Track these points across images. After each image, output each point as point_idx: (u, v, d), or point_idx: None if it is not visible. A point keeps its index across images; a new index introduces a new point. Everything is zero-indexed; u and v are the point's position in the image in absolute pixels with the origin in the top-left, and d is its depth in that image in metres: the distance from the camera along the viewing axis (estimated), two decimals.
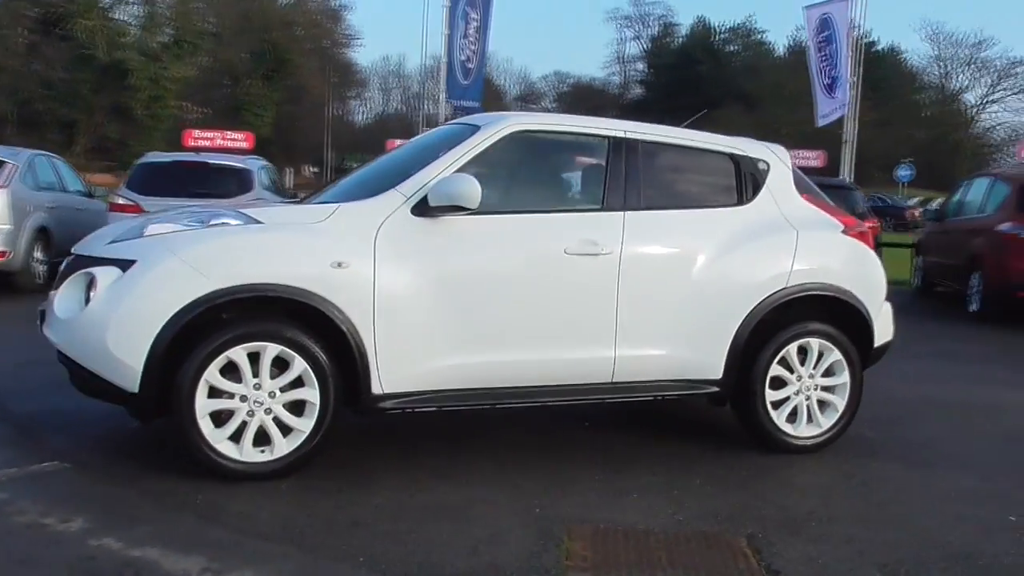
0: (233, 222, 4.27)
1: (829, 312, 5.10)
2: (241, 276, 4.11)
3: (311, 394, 4.23)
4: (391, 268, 4.28)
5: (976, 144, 66.81)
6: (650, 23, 78.41)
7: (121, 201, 10.44)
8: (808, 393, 5.05)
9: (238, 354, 4.12)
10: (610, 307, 4.67)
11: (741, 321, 4.87)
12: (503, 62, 68.38)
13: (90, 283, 4.15)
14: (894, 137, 57.45)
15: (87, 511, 3.76)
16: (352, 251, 4.26)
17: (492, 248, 4.52)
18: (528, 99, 76.77)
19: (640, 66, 79.55)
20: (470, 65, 16.71)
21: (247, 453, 4.17)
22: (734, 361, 4.87)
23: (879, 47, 69.61)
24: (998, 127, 66.18)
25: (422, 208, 4.39)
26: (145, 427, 4.67)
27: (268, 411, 4.19)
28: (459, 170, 4.49)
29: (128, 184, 10.80)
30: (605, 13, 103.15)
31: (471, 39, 16.62)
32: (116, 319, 4.03)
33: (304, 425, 4.23)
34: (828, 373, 5.09)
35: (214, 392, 4.12)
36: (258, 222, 4.28)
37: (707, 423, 5.64)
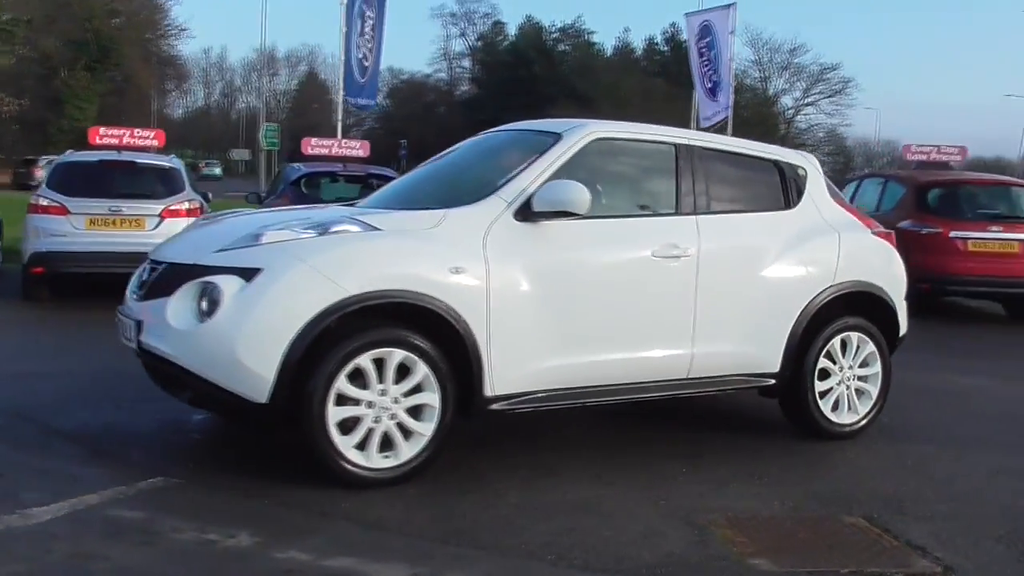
0: (354, 228, 4.25)
1: (864, 307, 5.52)
2: (371, 283, 4.11)
3: (431, 398, 4.26)
4: (500, 272, 4.37)
5: (796, 143, 71.06)
6: (475, 20, 79.18)
7: (44, 202, 9.83)
8: (848, 383, 5.46)
9: (366, 361, 4.12)
10: (690, 307, 4.92)
11: (795, 318, 5.22)
12: (330, 57, 67.49)
13: (205, 293, 4.04)
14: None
15: (243, 525, 3.68)
16: (467, 256, 4.32)
17: (587, 252, 4.68)
18: None
19: (467, 63, 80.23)
20: (366, 63, 16.55)
21: (374, 459, 4.17)
22: (789, 355, 5.21)
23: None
24: (814, 127, 70.65)
25: (525, 213, 4.50)
26: (233, 436, 4.57)
27: (392, 416, 4.20)
28: (552, 176, 4.62)
29: (48, 184, 10.18)
30: (430, 10, 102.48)
31: (367, 37, 16.48)
32: (247, 329, 3.95)
33: (425, 429, 4.27)
34: (864, 364, 5.51)
35: (341, 400, 4.09)
36: (377, 228, 4.28)
37: (727, 413, 5.96)
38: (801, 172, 5.54)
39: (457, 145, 5.82)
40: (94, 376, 6.16)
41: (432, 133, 57.59)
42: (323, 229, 4.21)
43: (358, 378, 4.13)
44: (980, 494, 4.59)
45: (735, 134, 12.56)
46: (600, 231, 4.71)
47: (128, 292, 4.69)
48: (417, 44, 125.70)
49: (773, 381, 5.23)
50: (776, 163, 5.48)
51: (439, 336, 4.26)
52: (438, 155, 5.80)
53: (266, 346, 3.97)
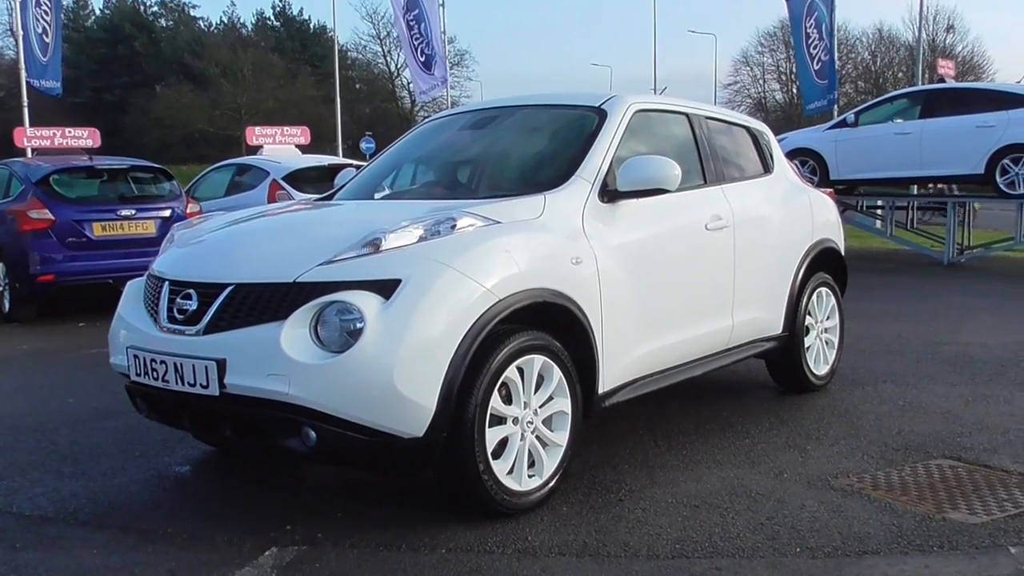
0: (478, 223, 3.67)
1: (827, 263, 5.80)
2: (515, 283, 3.60)
3: (565, 404, 3.85)
4: (603, 259, 4.03)
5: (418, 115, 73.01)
6: None
7: None
8: (822, 336, 5.74)
9: (513, 372, 3.61)
10: (731, 277, 4.89)
11: (791, 279, 5.38)
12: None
13: (338, 315, 3.30)
14: (351, 112, 60.23)
15: None
16: (579, 245, 3.94)
17: (658, 229, 4.46)
18: None
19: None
20: (47, 39, 14.29)
21: (523, 482, 3.69)
22: (789, 315, 5.37)
23: (313, 25, 72.82)
24: (438, 100, 72.69)
25: (610, 193, 4.19)
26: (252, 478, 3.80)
27: (534, 431, 3.73)
28: (616, 153, 4.34)
29: None
30: None
31: (45, 8, 14.21)
32: (401, 352, 3.27)
33: (561, 439, 3.84)
34: (828, 317, 5.82)
35: (492, 420, 3.56)
36: (496, 221, 3.73)
37: (715, 384, 6.02)
38: (766, 137, 5.68)
39: (431, 128, 5.25)
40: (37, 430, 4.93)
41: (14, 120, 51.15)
42: (448, 225, 3.60)
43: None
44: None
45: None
46: (664, 207, 4.50)
47: (146, 325, 3.72)
48: None
49: (776, 343, 5.35)
50: (749, 129, 5.58)
51: (565, 336, 3.85)
52: (414, 139, 5.22)
53: (424, 370, 3.33)
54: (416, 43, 18.21)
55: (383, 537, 3.50)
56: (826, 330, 5.79)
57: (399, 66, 73.45)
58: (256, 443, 3.59)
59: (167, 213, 9.61)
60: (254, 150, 13.90)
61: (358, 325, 3.27)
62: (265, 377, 3.32)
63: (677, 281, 4.50)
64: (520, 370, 3.64)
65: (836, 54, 17.97)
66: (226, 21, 73.44)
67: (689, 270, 4.59)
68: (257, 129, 12.45)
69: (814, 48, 17.20)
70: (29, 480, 4.30)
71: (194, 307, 3.56)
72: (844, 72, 60.99)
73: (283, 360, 3.29)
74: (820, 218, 5.72)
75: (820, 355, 5.72)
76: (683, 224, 4.62)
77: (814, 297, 5.61)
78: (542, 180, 4.19)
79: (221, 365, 3.39)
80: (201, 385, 3.45)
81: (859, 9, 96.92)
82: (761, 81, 65.02)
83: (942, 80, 17.41)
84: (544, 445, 3.79)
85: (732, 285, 4.89)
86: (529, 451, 3.72)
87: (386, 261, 3.42)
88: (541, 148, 4.65)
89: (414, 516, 3.70)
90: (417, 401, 3.31)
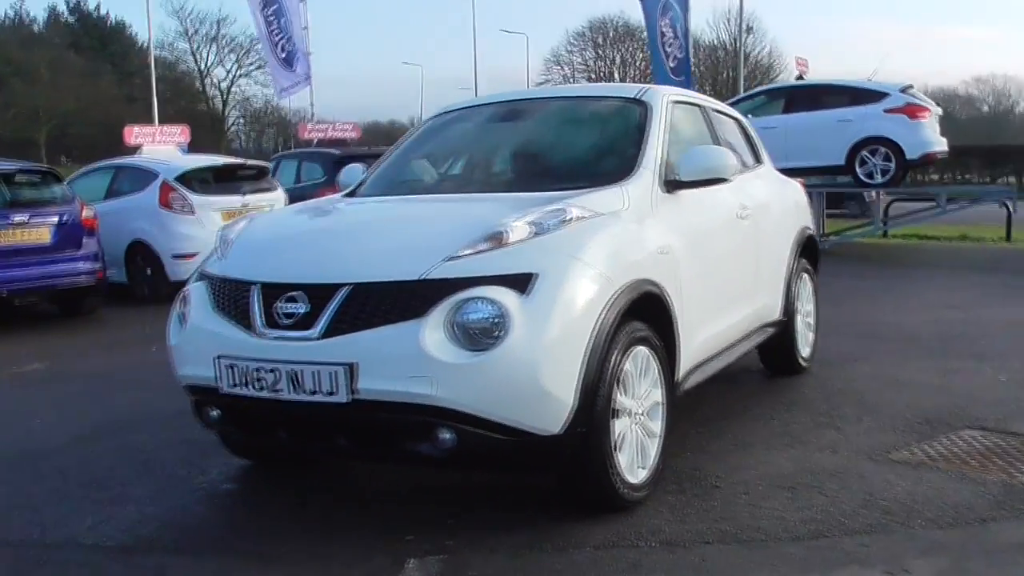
0: (585, 215, 3.61)
1: (806, 249, 6.06)
2: (628, 274, 3.59)
3: (659, 394, 3.86)
4: (677, 248, 4.08)
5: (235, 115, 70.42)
6: None
7: None
8: (805, 319, 6.00)
9: (629, 364, 3.60)
10: (755, 264, 5.05)
11: (787, 264, 5.60)
12: None
13: (481, 312, 3.18)
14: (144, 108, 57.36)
15: None
16: (662, 235, 3.96)
17: (709, 218, 4.55)
18: None
19: None
20: None
21: (637, 474, 3.68)
22: (786, 299, 5.58)
23: (112, 21, 69.16)
24: (251, 98, 70.30)
25: (672, 184, 4.24)
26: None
27: (639, 423, 3.73)
28: (665, 143, 4.40)
29: None
30: None
31: None
32: (547, 348, 3.20)
33: (659, 429, 3.86)
34: (807, 301, 6.09)
35: (612, 413, 3.53)
36: (598, 213, 3.69)
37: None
38: (750, 128, 5.86)
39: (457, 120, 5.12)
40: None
41: None
42: (559, 217, 3.53)
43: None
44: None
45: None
46: (708, 197, 4.57)
47: (235, 332, 3.45)
48: None
49: (776, 328, 5.54)
50: (738, 121, 5.74)
51: (654, 326, 3.86)
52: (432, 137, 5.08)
53: (564, 366, 3.27)
54: (276, 39, 17.51)
55: (516, 539, 3.40)
56: (808, 313, 6.06)
57: (208, 64, 71.03)
58: (378, 450, 3.42)
59: (61, 218, 8.87)
60: (117, 152, 13.06)
61: (502, 321, 3.16)
62: (406, 380, 3.16)
63: (724, 269, 4.62)
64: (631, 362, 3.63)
65: (691, 52, 18.76)
66: (12, 16, 68.43)
67: (730, 258, 4.72)
68: (136, 128, 11.66)
69: (669, 46, 17.88)
70: (69, 510, 3.90)
71: (304, 311, 3.33)
72: (650, 72, 63.89)
73: (426, 361, 3.14)
74: (802, 206, 5.99)
75: (804, 337, 5.98)
76: (724, 213, 4.73)
77: (798, 282, 5.86)
78: (607, 171, 4.18)
79: (351, 370, 3.19)
80: (326, 392, 3.23)
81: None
82: (572, 80, 66.69)
83: (800, 77, 18.54)
84: (648, 437, 3.79)
85: (755, 272, 5.05)
86: (640, 444, 3.71)
87: (515, 255, 3.33)
88: (595, 140, 4.62)
89: (527, 516, 3.60)
90: (559, 397, 3.24)
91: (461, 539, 3.41)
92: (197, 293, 3.76)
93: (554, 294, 3.26)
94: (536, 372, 3.18)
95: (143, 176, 10.64)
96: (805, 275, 5.97)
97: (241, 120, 71.72)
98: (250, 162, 11.48)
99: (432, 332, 3.16)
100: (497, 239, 3.36)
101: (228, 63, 68.90)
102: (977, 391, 5.45)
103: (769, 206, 5.39)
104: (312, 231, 3.92)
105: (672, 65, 17.80)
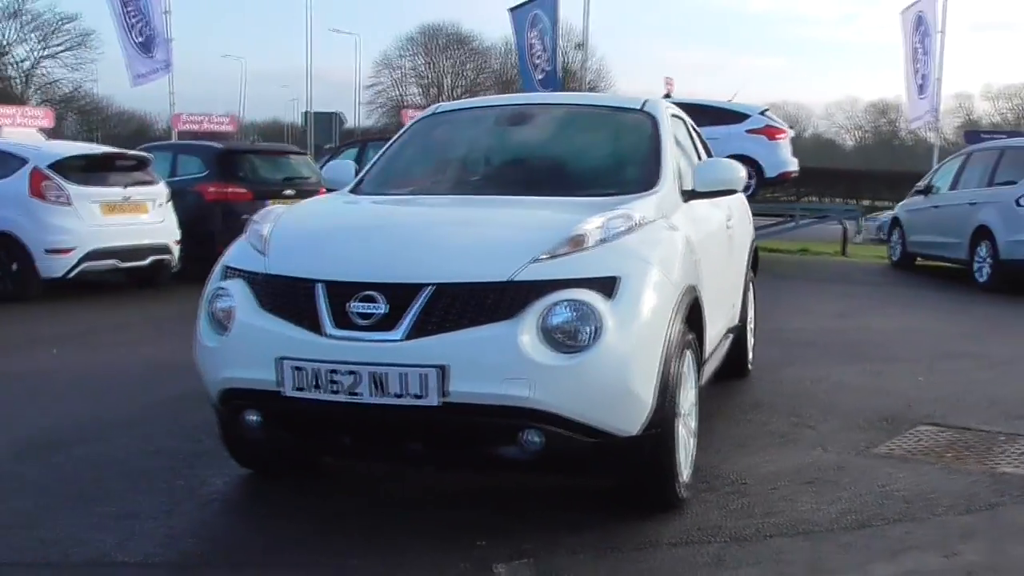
0: (645, 221, 3.68)
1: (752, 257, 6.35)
2: (684, 279, 3.74)
3: (694, 395, 3.98)
4: (701, 255, 4.21)
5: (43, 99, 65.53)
6: None
7: None
8: (748, 325, 6.29)
9: (685, 366, 3.70)
10: (733, 272, 5.25)
11: (744, 273, 5.87)
12: None
13: (574, 314, 3.19)
14: None
15: None
16: (694, 243, 4.09)
17: (711, 227, 4.72)
18: None
19: None
20: None
21: (685, 473, 3.77)
22: (743, 306, 5.84)
23: None
24: (58, 82, 65.66)
25: (688, 193, 4.38)
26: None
27: (685, 423, 3.83)
28: (676, 154, 4.54)
29: None
30: None
31: None
32: (635, 350, 3.27)
33: (695, 427, 3.98)
34: (751, 306, 6.38)
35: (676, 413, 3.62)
36: (650, 220, 3.77)
37: None
38: (701, 136, 6.04)
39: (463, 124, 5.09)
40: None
41: None
42: (625, 223, 3.58)
43: None
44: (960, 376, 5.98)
45: None
46: (707, 207, 4.72)
47: (299, 332, 3.30)
48: None
49: (735, 334, 5.78)
50: (699, 132, 5.93)
51: (695, 330, 3.98)
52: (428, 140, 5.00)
53: (647, 368, 3.34)
54: (133, 21, 16.40)
55: (588, 540, 3.41)
56: (751, 319, 6.35)
57: (7, 42, 65.82)
58: (457, 454, 3.36)
59: None
60: None
61: (594, 324, 3.18)
62: (502, 382, 3.12)
63: (720, 276, 4.80)
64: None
65: (559, 63, 19.11)
66: None
67: (723, 265, 4.91)
68: None
69: (538, 58, 18.18)
70: (74, 526, 3.56)
71: (384, 311, 3.22)
72: (479, 81, 64.59)
73: (523, 363, 3.12)
74: (750, 217, 6.28)
75: (750, 343, 6.27)
76: (718, 223, 4.93)
77: (749, 289, 6.14)
78: (633, 179, 4.26)
79: (442, 372, 3.12)
80: (415, 395, 3.14)
81: (487, 20, 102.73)
82: (402, 84, 66.45)
83: (668, 95, 19.24)
84: (690, 436, 3.90)
85: (733, 279, 5.27)
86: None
87: (596, 258, 3.36)
88: (613, 148, 4.67)
89: (585, 518, 3.61)
90: (643, 398, 3.30)
91: (536, 542, 3.39)
92: (239, 291, 3.55)
93: (637, 297, 3.32)
94: (626, 374, 3.23)
95: (8, 161, 9.77)
96: (751, 282, 6.26)
97: (47, 105, 66.84)
98: (130, 152, 10.82)
99: (525, 333, 3.14)
100: (577, 242, 3.38)
101: (31, 42, 64.26)
102: (909, 391, 5.89)
103: (736, 217, 5.62)
104: (368, 228, 3.80)
105: (540, 77, 18.12)
